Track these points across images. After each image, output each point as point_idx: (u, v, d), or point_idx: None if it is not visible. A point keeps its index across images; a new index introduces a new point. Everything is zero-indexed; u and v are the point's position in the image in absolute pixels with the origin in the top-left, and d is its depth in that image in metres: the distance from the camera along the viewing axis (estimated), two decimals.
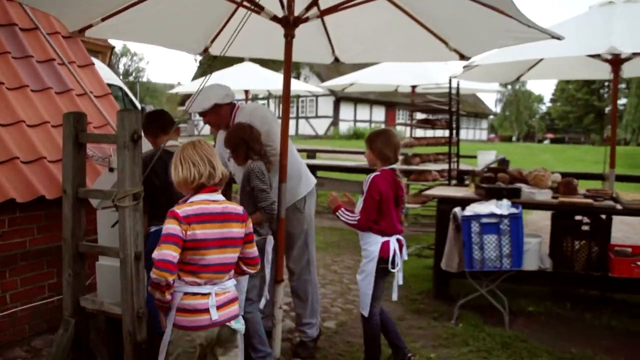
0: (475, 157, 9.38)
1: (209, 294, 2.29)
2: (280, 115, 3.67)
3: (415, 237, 8.05)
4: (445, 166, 7.05)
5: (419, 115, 7.88)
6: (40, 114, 4.28)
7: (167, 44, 4.46)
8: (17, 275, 3.69)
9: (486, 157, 8.83)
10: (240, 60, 14.85)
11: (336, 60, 4.82)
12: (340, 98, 32.45)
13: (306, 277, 3.93)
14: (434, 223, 8.48)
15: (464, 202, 5.23)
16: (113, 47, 20.21)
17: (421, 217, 9.80)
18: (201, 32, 4.41)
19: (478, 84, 8.47)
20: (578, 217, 5.25)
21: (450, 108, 6.50)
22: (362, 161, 11.46)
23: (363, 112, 34.78)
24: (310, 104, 34.04)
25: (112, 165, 3.62)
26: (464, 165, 8.74)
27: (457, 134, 6.74)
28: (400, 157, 7.63)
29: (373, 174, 3.39)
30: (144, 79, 61.08)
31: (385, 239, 3.38)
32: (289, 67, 3.57)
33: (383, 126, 35.68)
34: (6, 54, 4.39)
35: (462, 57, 4.20)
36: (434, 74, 8.59)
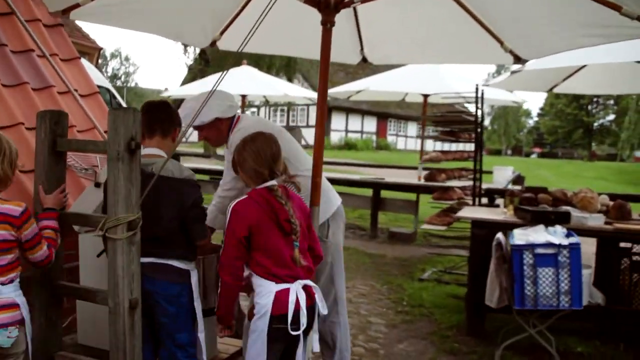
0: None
1: None
2: (291, 123, 2.96)
3: (429, 259, 7.39)
4: (466, 183, 6.40)
5: (429, 127, 7.23)
6: (12, 113, 3.54)
7: (168, 33, 3.77)
8: None
9: (504, 174, 8.22)
10: (235, 63, 14.18)
11: (363, 60, 4.19)
12: (331, 108, 31.83)
13: (333, 320, 3.22)
14: (448, 244, 7.91)
15: (505, 227, 4.59)
16: (101, 49, 19.44)
17: (429, 235, 9.15)
18: (209, 21, 3.71)
19: (499, 94, 7.87)
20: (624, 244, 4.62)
21: (477, 119, 5.86)
22: (366, 174, 10.77)
23: (354, 122, 34.20)
24: (301, 113, 33.36)
25: (98, 180, 2.90)
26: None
27: (481, 148, 6.10)
28: (424, 172, 6.99)
29: (237, 200, 2.45)
30: (132, 84, 60.07)
31: (282, 286, 2.37)
32: (326, 63, 2.90)
33: (374, 137, 35.15)
34: None
35: (518, 60, 3.58)
36: (450, 81, 7.99)
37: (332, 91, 8.97)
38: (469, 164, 6.55)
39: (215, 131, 3.08)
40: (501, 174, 8.20)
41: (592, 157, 44.36)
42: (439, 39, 3.76)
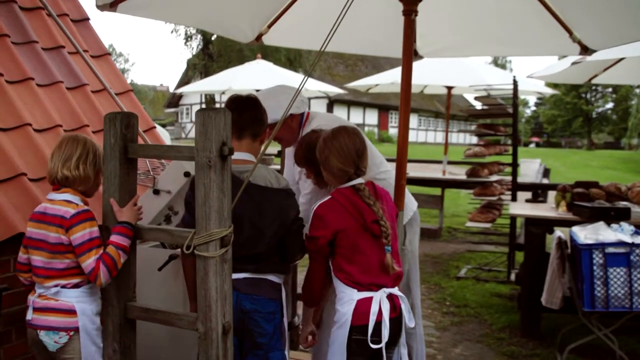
0: (468, 163, 8.47)
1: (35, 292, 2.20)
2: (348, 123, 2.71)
3: (460, 256, 7.19)
4: (495, 178, 6.18)
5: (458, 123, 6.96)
6: (49, 115, 3.29)
7: (212, 26, 3.52)
8: (26, 336, 2.70)
9: (531, 166, 8.02)
10: (247, 57, 13.91)
11: (414, 54, 3.95)
12: (333, 101, 31.54)
13: (410, 331, 3.00)
14: (475, 239, 7.70)
15: (561, 224, 4.39)
16: None
17: (453, 230, 8.95)
18: (257, 13, 3.47)
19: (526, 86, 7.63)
20: None
21: (515, 111, 5.63)
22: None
23: (356, 115, 33.90)
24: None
25: (157, 186, 2.67)
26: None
27: (516, 141, 5.88)
28: (461, 169, 6.76)
29: (319, 202, 2.24)
30: (128, 81, 59.46)
31: (364, 294, 2.15)
32: (409, 54, 2.66)
33: (376, 130, 34.90)
34: (4, 38, 3.40)
35: (585, 50, 3.36)
36: (476, 73, 7.75)
37: (351, 85, 8.72)
38: (500, 158, 6.34)
39: (288, 129, 2.84)
40: (528, 166, 8.02)
41: (591, 146, 44.30)
42: (501, 30, 3.53)
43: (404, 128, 2.65)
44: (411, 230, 2.97)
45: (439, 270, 6.42)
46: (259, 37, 3.70)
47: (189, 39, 18.46)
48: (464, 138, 43.35)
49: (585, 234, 3.79)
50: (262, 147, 2.26)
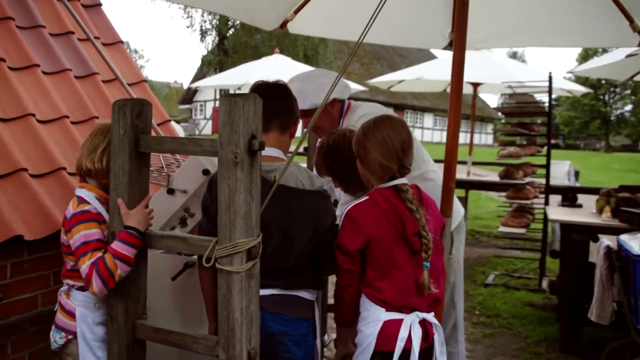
0: (494, 164, 8.09)
1: None
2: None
3: (486, 261, 6.84)
4: (532, 180, 5.82)
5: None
6: (55, 104, 3.02)
7: (236, 12, 3.23)
8: (25, 348, 2.43)
9: (561, 168, 7.65)
10: (264, 53, 13.64)
11: (450, 45, 3.64)
12: (349, 99, 31.18)
13: (452, 349, 2.70)
14: (500, 243, 7.33)
15: (608, 232, 4.05)
16: None
17: (477, 233, 8.60)
18: None
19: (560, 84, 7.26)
20: None
21: (550, 110, 5.29)
22: None
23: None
24: None
25: (172, 185, 2.38)
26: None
27: (550, 142, 5.53)
28: (484, 170, 6.40)
29: (353, 202, 1.93)
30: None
31: (392, 316, 1.84)
32: (462, 45, 2.35)
33: None
34: (8, 21, 3.13)
35: None
36: (504, 69, 7.38)
37: (373, 81, 8.40)
38: (530, 159, 5.99)
39: (327, 117, 2.54)
40: (558, 168, 7.64)
41: (608, 149, 43.54)
42: (552, 19, 3.19)
43: (454, 125, 2.33)
44: (458, 237, 2.68)
45: (465, 276, 6.03)
46: (283, 25, 3.39)
47: (204, 35, 18.23)
48: (485, 139, 42.77)
49: (638, 243, 3.45)
50: (301, 138, 1.95)
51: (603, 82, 43.23)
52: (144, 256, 1.81)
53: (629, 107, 50.41)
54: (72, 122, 3.06)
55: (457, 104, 2.37)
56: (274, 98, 1.92)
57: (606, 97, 50.16)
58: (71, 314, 1.99)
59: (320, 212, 1.89)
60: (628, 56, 4.19)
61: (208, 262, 1.55)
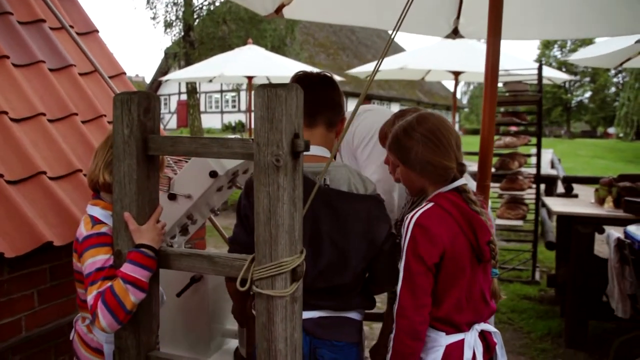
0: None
1: None
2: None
3: None
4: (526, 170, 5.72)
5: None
6: (30, 101, 2.69)
7: None
8: None
9: (545, 157, 7.60)
10: (233, 44, 13.25)
11: (454, 32, 3.46)
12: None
13: None
14: (508, 236, 7.19)
15: (614, 223, 3.95)
16: None
17: None
18: None
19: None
20: None
21: (541, 99, 5.17)
22: None
23: (353, 106, 33.33)
24: None
25: (174, 190, 2.11)
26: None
27: (540, 130, 5.44)
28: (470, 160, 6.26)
29: (420, 210, 1.63)
30: None
31: (453, 338, 1.64)
32: (497, 30, 2.14)
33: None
34: None
35: None
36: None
37: (352, 71, 8.17)
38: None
39: None
40: (542, 157, 7.58)
41: (570, 135, 44.62)
42: (571, 7, 3.02)
43: (489, 118, 2.12)
44: None
45: None
46: (279, 9, 3.15)
47: (168, 26, 17.62)
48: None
49: None
50: (336, 142, 1.71)
51: (563, 69, 44.21)
52: (156, 278, 1.55)
53: (588, 94, 51.75)
54: (50, 120, 2.75)
55: (492, 95, 2.17)
56: (320, 90, 1.67)
57: (567, 85, 51.38)
58: (98, 351, 1.74)
59: (375, 220, 1.64)
60: (638, 42, 4.08)
61: (243, 284, 1.31)
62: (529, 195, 5.58)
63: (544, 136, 45.01)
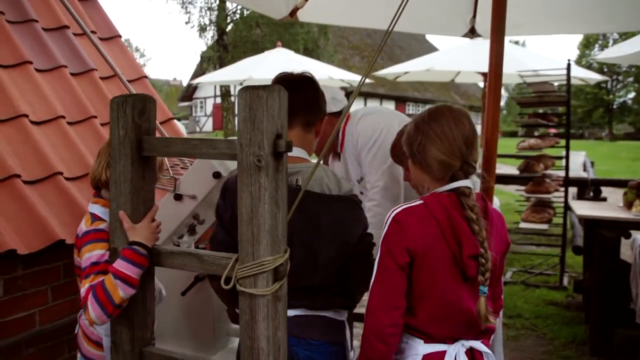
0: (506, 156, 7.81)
1: None
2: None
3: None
4: (550, 173, 5.58)
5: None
6: (51, 104, 2.79)
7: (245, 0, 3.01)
8: None
9: (576, 160, 7.40)
10: (265, 48, 13.37)
11: (471, 32, 3.44)
12: (350, 92, 30.92)
13: None
14: (521, 238, 7.04)
15: (638, 227, 3.83)
16: None
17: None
18: None
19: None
20: None
21: (569, 101, 5.05)
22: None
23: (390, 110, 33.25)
24: None
25: (180, 190, 2.15)
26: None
27: (569, 132, 5.30)
28: (502, 163, 6.17)
29: (404, 205, 1.55)
30: None
31: (432, 348, 1.53)
32: (501, 28, 2.12)
33: None
34: None
35: None
36: (515, 57, 7.14)
37: (379, 73, 8.16)
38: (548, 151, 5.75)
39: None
40: (573, 160, 7.38)
41: (612, 137, 43.26)
42: (579, 4, 2.96)
43: (492, 119, 2.09)
44: None
45: None
46: (293, 13, 3.18)
47: (202, 30, 17.95)
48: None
49: None
50: (327, 144, 1.72)
51: (605, 69, 42.93)
52: (151, 275, 1.59)
53: (631, 95, 50.08)
54: (69, 123, 2.84)
55: (495, 95, 2.14)
56: (297, 91, 1.67)
57: (609, 85, 49.85)
58: (98, 344, 1.83)
59: (349, 221, 1.64)
60: None
61: (227, 282, 1.33)
62: (557, 198, 5.45)
63: (583, 138, 43.81)
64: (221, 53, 17.62)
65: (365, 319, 1.51)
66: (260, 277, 1.29)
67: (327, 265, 1.60)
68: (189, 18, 19.00)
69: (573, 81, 8.05)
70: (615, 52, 5.08)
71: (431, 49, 31.09)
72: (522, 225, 5.08)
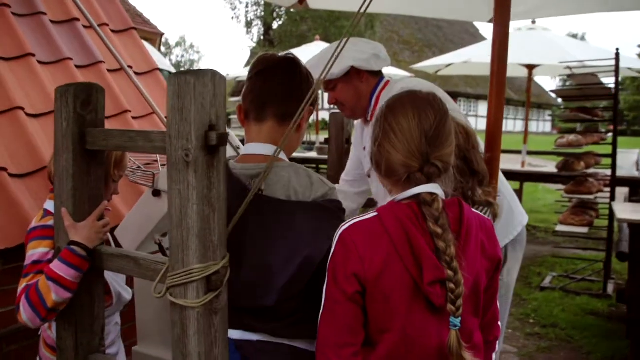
0: (550, 153, 7.30)
1: None
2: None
3: (542, 260, 6.25)
4: (596, 171, 5.18)
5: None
6: (49, 96, 2.74)
7: None
8: None
9: (629, 158, 6.91)
10: (311, 41, 13.27)
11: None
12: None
13: None
14: (566, 241, 6.65)
15: None
16: (162, 35, 19.07)
17: (534, 229, 7.95)
18: None
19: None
20: None
21: (617, 92, 4.65)
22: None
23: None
24: None
25: (158, 186, 2.04)
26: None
27: (617, 128, 4.89)
28: (541, 161, 5.79)
29: (353, 220, 1.25)
30: None
31: None
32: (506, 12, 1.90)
33: None
34: (2, 8, 2.87)
35: None
36: (561, 48, 6.71)
37: (418, 66, 7.87)
38: (594, 148, 5.34)
39: (352, 91, 2.07)
40: (626, 158, 6.90)
41: None
42: None
43: (496, 114, 1.86)
44: (514, 254, 2.12)
45: (519, 278, 5.46)
46: (303, 0, 3.03)
47: (249, 26, 18.04)
48: (542, 126, 41.06)
49: None
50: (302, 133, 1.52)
51: None
52: (99, 277, 1.47)
53: None
54: None
55: (499, 88, 1.92)
56: (271, 76, 1.45)
57: None
58: (54, 349, 1.69)
59: (314, 233, 1.34)
60: None
61: (159, 292, 1.19)
62: (603, 199, 5.06)
63: (638, 135, 41.63)
64: (267, 48, 17.65)
65: (315, 355, 1.25)
66: (190, 286, 1.14)
67: (287, 285, 1.31)
68: (235, 13, 19.16)
69: (629, 73, 7.53)
70: None
71: (478, 36, 30.13)
72: (559, 227, 4.72)
